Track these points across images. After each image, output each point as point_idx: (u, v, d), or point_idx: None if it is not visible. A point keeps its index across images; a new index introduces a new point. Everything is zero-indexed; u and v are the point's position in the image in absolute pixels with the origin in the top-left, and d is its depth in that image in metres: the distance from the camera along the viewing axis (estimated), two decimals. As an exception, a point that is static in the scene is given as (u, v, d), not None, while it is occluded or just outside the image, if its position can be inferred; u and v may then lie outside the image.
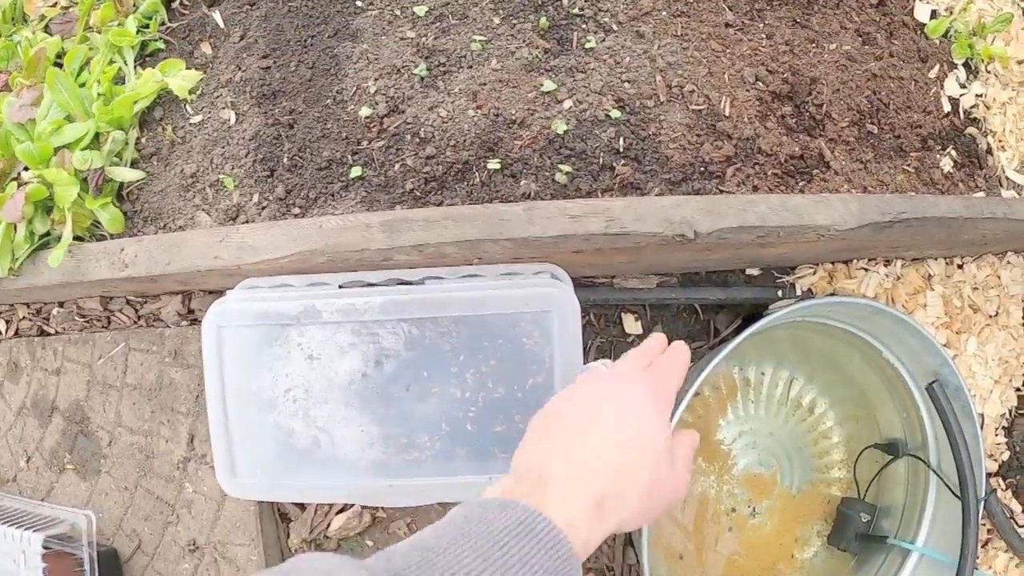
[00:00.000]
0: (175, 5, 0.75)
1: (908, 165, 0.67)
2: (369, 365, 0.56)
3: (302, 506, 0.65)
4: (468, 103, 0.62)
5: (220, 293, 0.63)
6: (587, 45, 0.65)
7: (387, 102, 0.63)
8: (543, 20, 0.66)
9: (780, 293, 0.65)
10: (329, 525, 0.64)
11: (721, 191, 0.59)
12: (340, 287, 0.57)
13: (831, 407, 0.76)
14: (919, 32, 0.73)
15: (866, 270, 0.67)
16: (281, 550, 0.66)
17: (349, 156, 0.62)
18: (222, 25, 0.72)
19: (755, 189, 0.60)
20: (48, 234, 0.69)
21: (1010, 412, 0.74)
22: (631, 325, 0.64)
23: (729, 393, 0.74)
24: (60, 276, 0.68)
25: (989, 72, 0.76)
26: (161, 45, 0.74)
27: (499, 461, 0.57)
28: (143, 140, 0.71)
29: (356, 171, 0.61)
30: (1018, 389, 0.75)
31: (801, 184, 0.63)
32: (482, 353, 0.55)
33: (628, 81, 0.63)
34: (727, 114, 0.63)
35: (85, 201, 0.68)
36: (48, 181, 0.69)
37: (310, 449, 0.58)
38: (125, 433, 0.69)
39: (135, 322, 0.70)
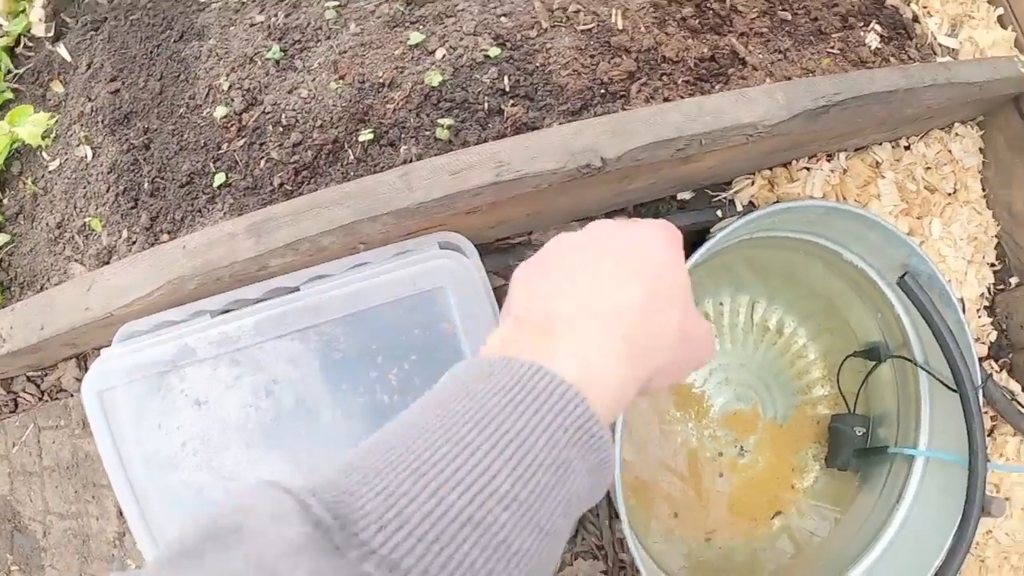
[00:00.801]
0: (19, 49, 0.60)
1: (832, 47, 0.53)
2: (259, 397, 0.42)
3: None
4: (329, 76, 0.47)
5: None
6: (452, -14, 0.51)
7: (243, 96, 0.49)
8: (399, -29, 0.51)
9: (720, 213, 0.51)
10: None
11: (626, 111, 0.45)
12: (222, 313, 0.44)
13: (800, 324, 0.62)
14: (814, -94, 0.59)
15: (808, 169, 0.53)
16: None
17: (211, 164, 0.48)
18: (69, 58, 0.57)
19: (665, 101, 0.46)
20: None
21: (989, 290, 0.61)
22: (565, 283, 0.50)
23: None
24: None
25: (896, -61, 0.62)
26: (11, 95, 0.59)
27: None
28: (5, 200, 0.57)
29: (220, 178, 0.47)
30: (992, 264, 0.61)
31: (718, 87, 0.48)
32: (392, 349, 0.41)
33: (504, 15, 0.49)
34: (620, 27, 0.48)
35: (-35, 279, 0.54)
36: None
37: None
38: (56, 520, 0.55)
39: (39, 399, 0.56)
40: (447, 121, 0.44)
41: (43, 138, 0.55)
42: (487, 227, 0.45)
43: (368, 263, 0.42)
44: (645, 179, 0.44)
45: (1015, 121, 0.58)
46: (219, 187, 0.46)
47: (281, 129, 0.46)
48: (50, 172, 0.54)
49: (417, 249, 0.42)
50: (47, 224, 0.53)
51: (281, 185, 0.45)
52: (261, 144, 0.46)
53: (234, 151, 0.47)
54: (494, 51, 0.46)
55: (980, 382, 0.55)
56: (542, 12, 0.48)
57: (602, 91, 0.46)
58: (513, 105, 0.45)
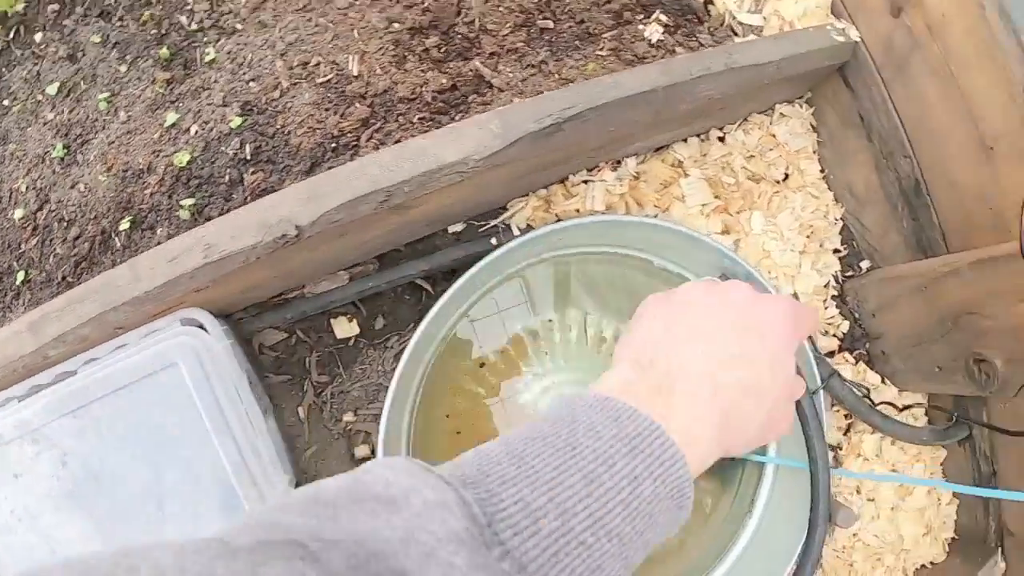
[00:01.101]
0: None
1: (601, 49, 0.49)
2: (58, 468, 0.47)
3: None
4: (100, 168, 0.50)
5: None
6: (208, 58, 0.51)
7: (36, 195, 0.52)
8: (164, 51, 0.52)
9: (495, 241, 0.49)
10: None
11: (330, 171, 0.44)
12: (27, 397, 0.48)
13: (633, 335, 0.59)
14: None
15: (587, 182, 0.49)
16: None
17: (14, 263, 0.52)
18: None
19: (397, 143, 0.45)
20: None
21: (836, 278, 0.55)
22: (344, 328, 0.50)
23: (519, 353, 0.59)
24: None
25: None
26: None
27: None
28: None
29: (21, 276, 0.51)
30: (837, 250, 0.55)
31: (458, 117, 0.46)
32: (144, 422, 0.44)
33: (252, 80, 0.49)
34: (356, 73, 0.47)
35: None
36: None
37: (50, 558, 0.49)
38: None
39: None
40: (189, 201, 0.46)
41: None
42: (240, 293, 0.46)
43: (126, 344, 0.45)
44: (379, 229, 0.43)
45: (843, 94, 0.51)
46: (21, 284, 0.50)
47: (65, 224, 0.49)
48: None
49: (163, 328, 0.44)
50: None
51: (64, 278, 0.48)
52: (50, 240, 0.50)
53: (30, 249, 0.50)
54: (236, 121, 0.46)
55: (820, 382, 0.51)
56: (283, 71, 0.47)
57: (333, 145, 0.45)
58: (253, 173, 0.45)
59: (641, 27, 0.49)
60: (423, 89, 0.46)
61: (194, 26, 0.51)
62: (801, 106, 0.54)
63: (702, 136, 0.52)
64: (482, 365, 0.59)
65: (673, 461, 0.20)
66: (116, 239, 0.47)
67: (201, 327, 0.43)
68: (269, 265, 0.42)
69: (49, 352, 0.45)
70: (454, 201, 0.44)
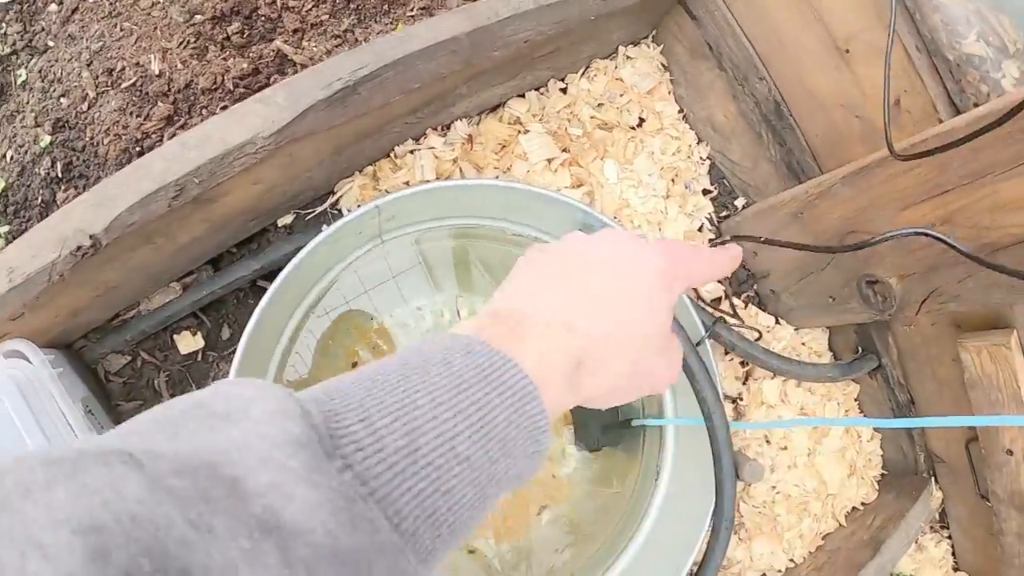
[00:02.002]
0: None
1: (411, 10, 0.45)
2: None
3: None
4: (-74, 207, 0.48)
5: None
6: (20, 80, 0.48)
7: None
8: (-18, 79, 0.50)
9: (326, 226, 0.46)
10: None
11: (112, 175, 0.41)
12: None
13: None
14: None
15: (414, 152, 0.46)
16: None
17: None
18: None
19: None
20: None
21: (711, 220, 0.50)
22: (188, 342, 0.47)
23: (390, 346, 0.55)
24: None
25: None
26: None
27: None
28: None
29: None
30: (707, 191, 0.50)
31: (265, 103, 0.43)
32: None
33: (62, 96, 0.46)
34: (158, 72, 0.44)
35: None
36: None
37: None
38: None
39: None
40: (4, 228, 0.43)
41: None
42: (65, 318, 0.43)
43: None
44: (191, 230, 0.41)
45: (687, 25, 0.47)
46: None
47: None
48: None
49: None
50: None
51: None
52: None
53: None
54: (45, 139, 0.44)
55: (704, 332, 0.47)
56: (89, 82, 0.45)
57: (139, 148, 0.42)
58: (65, 190, 0.43)
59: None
60: (224, 78, 0.43)
61: (7, 50, 0.49)
62: (648, 46, 0.49)
63: (541, 90, 0.48)
64: (354, 364, 0.56)
65: (525, 392, 0.20)
66: (-58, 277, 0.45)
67: (24, 358, 0.41)
68: (80, 282, 0.40)
69: None
70: (265, 188, 0.41)
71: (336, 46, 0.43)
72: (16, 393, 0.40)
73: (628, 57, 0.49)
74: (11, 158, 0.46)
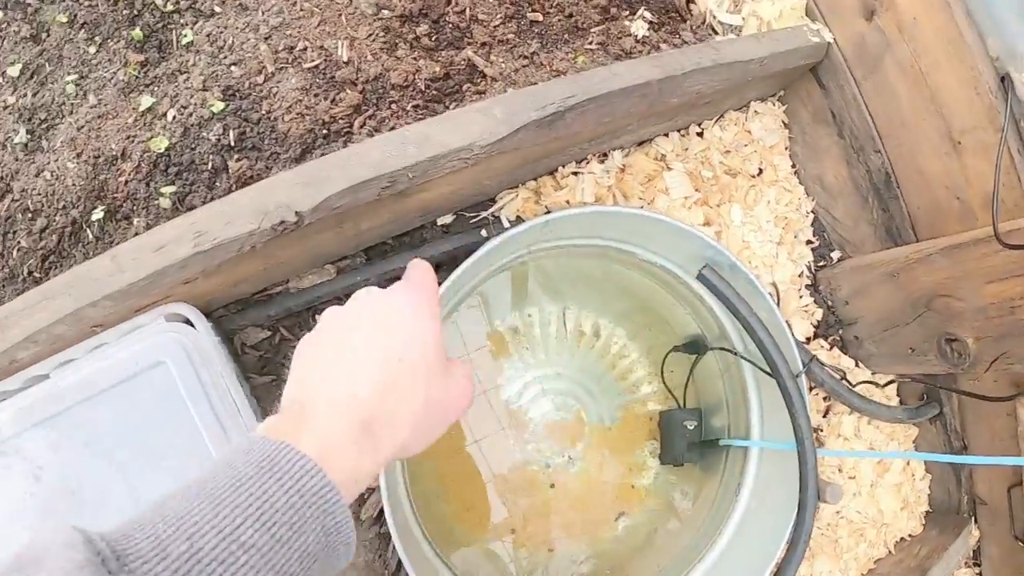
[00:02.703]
0: None
1: (590, 43, 0.49)
2: (30, 483, 0.43)
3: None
4: (69, 154, 0.46)
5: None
6: (185, 41, 0.48)
7: (-3, 184, 0.48)
8: (137, 32, 0.49)
9: (485, 233, 0.48)
10: None
11: (326, 156, 0.43)
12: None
13: (617, 325, 0.58)
14: None
15: (577, 174, 0.50)
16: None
17: (-28, 255, 0.48)
18: None
19: (392, 130, 0.44)
20: None
21: (809, 268, 0.57)
22: (333, 326, 0.48)
23: (499, 349, 0.58)
24: None
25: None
26: None
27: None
28: None
29: (-21, 269, 0.47)
30: (809, 242, 0.57)
31: (452, 106, 0.45)
32: (131, 427, 0.41)
33: (234, 64, 0.47)
34: (346, 59, 0.46)
35: None
36: None
37: None
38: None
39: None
40: (170, 189, 0.43)
41: None
42: (226, 287, 0.43)
43: (105, 343, 0.42)
44: (375, 219, 0.42)
45: (816, 92, 0.53)
46: (-21, 278, 0.46)
47: (30, 215, 0.46)
48: None
49: (146, 324, 0.41)
50: None
51: (31, 273, 0.45)
52: (13, 233, 0.46)
53: (-10, 241, 0.47)
54: (218, 105, 0.44)
55: (802, 366, 0.52)
56: (267, 55, 0.45)
57: (324, 132, 0.43)
58: (238, 160, 0.43)
59: (627, 23, 0.50)
60: (416, 77, 0.45)
61: (169, 7, 0.49)
62: (774, 104, 0.55)
63: (682, 132, 0.53)
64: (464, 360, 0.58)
65: (305, 472, 0.21)
66: (88, 230, 0.44)
67: (188, 323, 0.40)
68: (262, 256, 0.40)
69: (18, 354, 0.41)
70: (452, 191, 0.43)
71: (523, 66, 0.46)
72: (184, 359, 0.39)
73: (756, 112, 0.54)
74: (173, 118, 0.45)
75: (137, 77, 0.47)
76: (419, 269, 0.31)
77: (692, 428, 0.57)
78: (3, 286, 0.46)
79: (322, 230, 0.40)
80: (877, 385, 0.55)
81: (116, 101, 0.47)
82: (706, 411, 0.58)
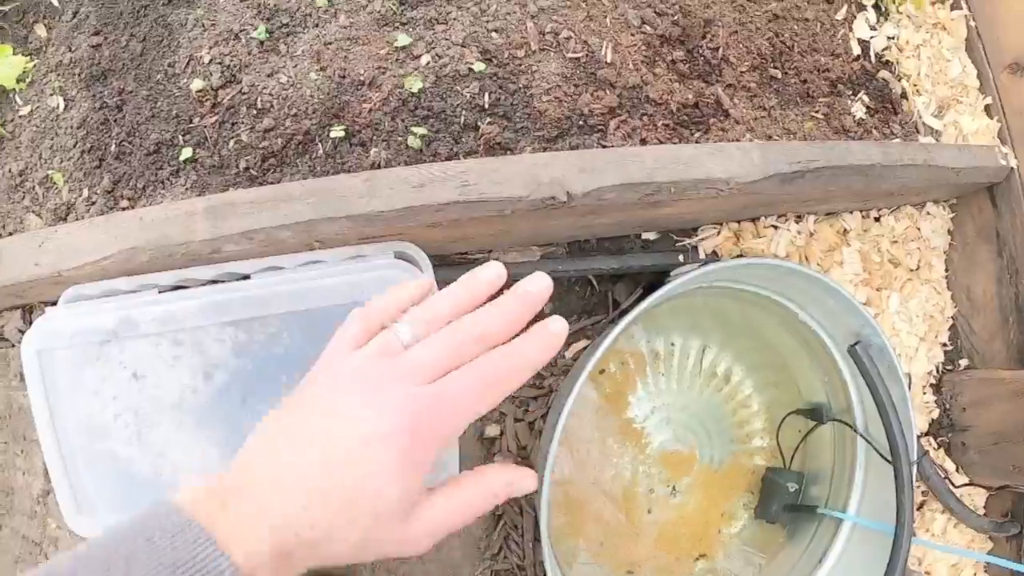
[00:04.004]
0: (8, -13, 0.59)
1: (817, 111, 0.53)
2: (198, 379, 0.42)
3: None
4: (311, 65, 0.46)
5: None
6: (450, -7, 0.50)
7: (222, 72, 0.48)
8: (400, -30, 0.50)
9: (681, 258, 0.51)
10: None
11: (604, 146, 0.45)
12: (171, 289, 0.43)
13: (748, 374, 0.62)
14: (822, -32, 0.59)
15: (776, 227, 0.53)
16: None
17: (180, 136, 0.47)
18: (56, 3, 0.56)
19: (643, 142, 0.46)
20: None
21: (937, 369, 0.61)
22: (518, 306, 0.50)
23: (637, 367, 0.60)
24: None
25: (901, 13, 0.61)
26: (-7, 32, 0.57)
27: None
28: (-25, 139, 0.56)
29: (187, 152, 0.46)
30: (944, 344, 0.62)
31: (697, 135, 0.48)
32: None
33: (496, 30, 0.48)
34: (609, 61, 0.48)
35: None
36: None
37: (152, 479, 0.43)
38: (-22, 465, 0.54)
39: (-19, 342, 0.55)
40: (421, 130, 0.44)
41: (18, 81, 0.53)
42: (448, 241, 0.44)
43: (322, 262, 0.41)
44: (612, 216, 0.44)
45: (987, 210, 0.58)
46: (185, 161, 0.46)
47: (255, 112, 0.46)
48: (20, 117, 0.53)
49: (372, 255, 0.41)
50: (9, 170, 0.52)
51: (246, 169, 0.44)
52: (233, 124, 0.46)
53: (205, 127, 0.46)
54: (479, 66, 0.46)
55: (916, 457, 0.56)
56: (533, 33, 0.47)
57: (580, 122, 0.45)
58: (489, 123, 0.45)
59: (849, 102, 0.54)
60: (670, 98, 0.47)
61: (438, -42, 0.50)
62: (945, 208, 0.60)
63: (864, 213, 0.57)
64: (602, 371, 0.60)
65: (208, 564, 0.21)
66: (320, 145, 0.44)
67: (414, 264, 0.41)
68: (501, 222, 0.41)
69: (225, 246, 0.41)
70: (677, 212, 0.46)
71: (761, 117, 0.49)
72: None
73: (929, 213, 0.59)
74: (427, 64, 0.46)
75: (395, 12, 0.48)
76: (516, 347, 0.26)
77: (792, 491, 0.59)
78: (209, 174, 0.45)
79: (568, 215, 0.42)
80: (989, 489, 0.59)
81: (369, 29, 0.47)
82: (808, 477, 0.61)
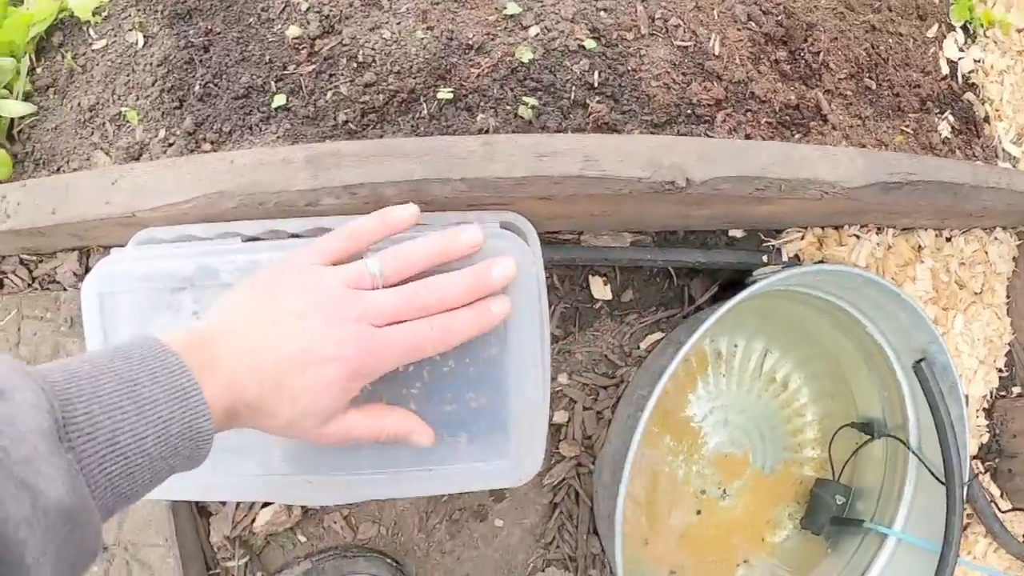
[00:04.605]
0: (85, -85, 0.56)
1: (907, 126, 0.54)
2: None
3: (216, 501, 0.49)
4: (417, 23, 0.46)
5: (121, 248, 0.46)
6: (559, -32, 0.49)
7: (321, 21, 0.46)
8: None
9: (765, 258, 0.51)
10: (254, 520, 0.49)
11: (710, 137, 0.45)
12: (251, 239, 0.41)
13: (806, 383, 0.63)
14: (917, -15, 0.60)
15: (858, 237, 0.53)
16: (202, 549, 0.50)
17: (272, 83, 0.45)
18: (138, -64, 0.54)
19: (747, 138, 0.46)
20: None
21: (991, 393, 0.62)
22: (599, 289, 0.49)
23: (699, 366, 0.60)
24: (-62, 230, 0.50)
25: (988, 37, 0.63)
26: (66, -41, 0.55)
27: (446, 447, 0.42)
28: (39, 70, 0.53)
29: (280, 99, 0.45)
30: (1000, 370, 0.63)
31: (796, 136, 0.48)
32: None
33: (604, 10, 0.48)
34: (716, 53, 0.48)
35: (-30, 141, 0.50)
36: (-71, 117, 0.50)
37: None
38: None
39: (29, 284, 0.53)
40: (532, 101, 0.43)
41: (93, 14, 0.51)
42: (548, 217, 0.44)
43: (425, 225, 0.40)
44: (714, 208, 0.44)
45: (1054, 240, 0.60)
46: (276, 109, 0.44)
47: (355, 65, 0.44)
48: (93, 51, 0.51)
49: (478, 223, 0.40)
50: (79, 104, 0.50)
51: (345, 123, 0.43)
52: (331, 75, 0.44)
53: (301, 76, 0.45)
54: (590, 43, 0.45)
55: (967, 479, 0.57)
56: (643, 17, 0.47)
57: (688, 111, 0.45)
58: (599, 102, 0.44)
59: (936, 120, 0.55)
60: (773, 96, 0.47)
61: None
62: (1012, 235, 0.62)
63: (937, 232, 0.58)
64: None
65: (198, 414, 0.27)
66: (424, 105, 0.43)
67: (521, 236, 0.40)
68: (616, 202, 0.41)
69: (324, 199, 0.40)
70: (775, 211, 0.46)
71: (856, 125, 0.50)
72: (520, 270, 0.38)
73: (997, 238, 0.61)
74: (535, 35, 0.46)
75: (503, -19, 0.47)
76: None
77: (839, 504, 0.60)
78: (303, 124, 0.44)
79: (676, 203, 0.42)
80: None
81: (478, -6, 0.47)
82: (855, 492, 0.61)
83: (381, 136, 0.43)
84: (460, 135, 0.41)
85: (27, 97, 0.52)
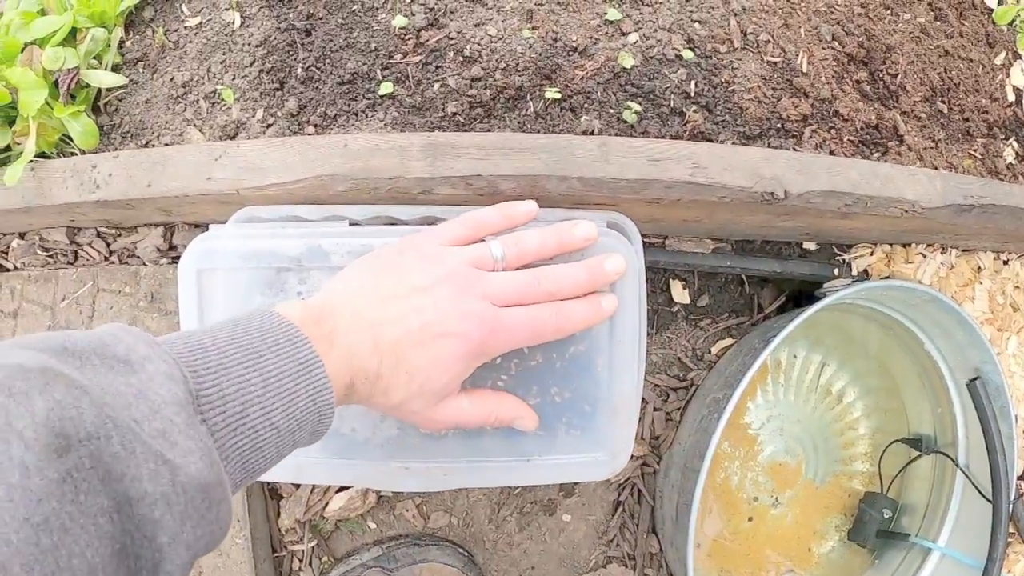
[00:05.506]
0: None
1: (975, 150, 0.58)
2: None
3: (297, 483, 0.51)
4: (522, 22, 0.48)
5: (207, 228, 0.47)
6: (657, -23, 0.53)
7: (426, 13, 0.49)
8: (608, -55, 0.53)
9: (836, 272, 0.54)
10: (327, 505, 0.50)
11: (797, 151, 0.48)
12: (358, 224, 0.44)
13: (860, 397, 0.66)
14: (987, 16, 0.64)
15: (924, 256, 0.57)
16: (271, 532, 0.52)
17: (378, 70, 0.48)
18: (233, -83, 0.56)
19: (831, 154, 0.49)
20: (8, 149, 0.53)
21: (1034, 415, 0.67)
22: (679, 293, 0.52)
23: (760, 375, 0.63)
24: (19, 199, 0.50)
25: (1045, 67, 0.67)
26: (159, -67, 0.57)
27: (532, 438, 0.45)
28: (128, 43, 0.55)
29: (387, 87, 0.47)
30: None
31: (875, 155, 0.52)
32: None
33: (699, 21, 0.51)
34: (804, 70, 0.51)
35: (54, 109, 0.52)
36: (12, 84, 0.52)
37: None
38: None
39: (106, 258, 0.54)
40: (635, 105, 0.46)
41: (188, -10, 0.54)
42: (645, 219, 0.47)
43: (537, 221, 0.43)
44: (802, 220, 0.47)
45: (1102, 268, 0.64)
46: (383, 96, 0.47)
47: (462, 59, 0.47)
48: (186, 28, 0.53)
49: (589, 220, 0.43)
50: (172, 80, 0.52)
51: (453, 115, 0.46)
52: (438, 67, 0.47)
53: (408, 65, 0.47)
54: (687, 53, 0.48)
55: (1014, 498, 0.60)
56: (736, 31, 0.50)
57: (778, 125, 0.48)
58: (695, 111, 0.47)
59: (1001, 145, 0.59)
60: (855, 115, 0.51)
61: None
62: (1062, 265, 0.66)
63: (995, 255, 0.62)
64: None
65: (322, 388, 0.28)
66: (531, 104, 0.46)
67: (624, 236, 0.43)
68: (712, 209, 0.44)
69: (439, 188, 0.42)
70: (854, 226, 0.49)
71: (929, 148, 0.54)
72: (627, 268, 0.41)
73: (1049, 264, 0.65)
74: (635, 42, 0.49)
75: (606, -13, 0.50)
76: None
77: (886, 517, 0.63)
78: (410, 113, 0.46)
79: (767, 213, 0.45)
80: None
81: (579, -1, 0.50)
82: (902, 506, 0.65)
83: (489, 130, 0.45)
84: (564, 135, 0.43)
85: (116, 69, 0.54)
